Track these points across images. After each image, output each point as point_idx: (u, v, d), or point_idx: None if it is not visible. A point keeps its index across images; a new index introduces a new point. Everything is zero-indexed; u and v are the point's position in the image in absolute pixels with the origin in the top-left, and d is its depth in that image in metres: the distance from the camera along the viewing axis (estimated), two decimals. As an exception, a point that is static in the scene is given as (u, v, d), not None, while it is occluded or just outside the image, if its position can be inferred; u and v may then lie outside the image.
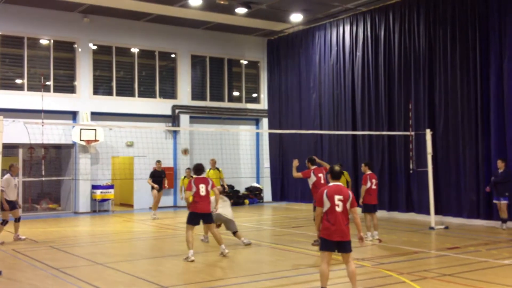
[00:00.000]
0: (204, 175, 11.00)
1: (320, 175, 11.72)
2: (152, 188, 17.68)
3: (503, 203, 14.11)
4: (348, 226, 7.32)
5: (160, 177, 17.75)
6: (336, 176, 7.57)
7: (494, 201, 14.41)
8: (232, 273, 9.17)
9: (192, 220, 10.44)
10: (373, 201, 12.61)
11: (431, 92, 16.55)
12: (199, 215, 10.42)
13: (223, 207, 11.82)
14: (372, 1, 18.32)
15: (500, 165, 14.20)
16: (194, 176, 10.86)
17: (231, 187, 22.54)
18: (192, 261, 10.04)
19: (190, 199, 10.59)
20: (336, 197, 7.29)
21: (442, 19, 16.26)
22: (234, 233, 11.86)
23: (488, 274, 8.80)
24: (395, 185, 17.57)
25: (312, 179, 11.67)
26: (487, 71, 15.07)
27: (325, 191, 7.38)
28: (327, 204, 7.30)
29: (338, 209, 7.26)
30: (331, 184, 7.52)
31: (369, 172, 12.72)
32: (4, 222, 12.54)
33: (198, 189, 10.40)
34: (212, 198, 11.01)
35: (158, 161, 18.08)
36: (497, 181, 14.22)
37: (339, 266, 8.56)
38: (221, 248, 10.56)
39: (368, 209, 12.60)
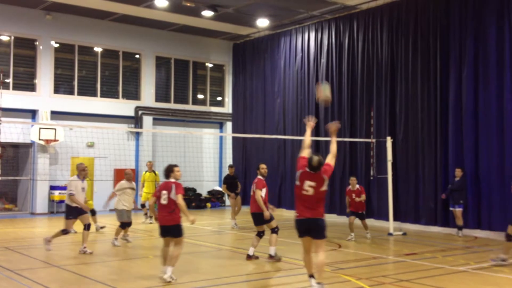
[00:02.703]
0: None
1: None
2: (228, 195, 16.67)
3: (458, 210, 14.47)
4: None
5: (235, 183, 16.49)
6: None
7: (450, 209, 14.78)
8: (190, 277, 9.10)
9: None
10: None
11: (393, 100, 16.86)
12: None
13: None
14: (337, 9, 18.56)
15: (458, 173, 14.55)
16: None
17: (193, 190, 22.42)
18: None
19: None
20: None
21: (404, 29, 16.60)
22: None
23: (443, 280, 9.01)
24: (355, 191, 17.78)
25: None
26: (447, 81, 15.44)
27: None
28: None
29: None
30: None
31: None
32: (65, 232, 11.34)
33: None
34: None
35: (231, 166, 17.17)
36: (453, 189, 14.59)
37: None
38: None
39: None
